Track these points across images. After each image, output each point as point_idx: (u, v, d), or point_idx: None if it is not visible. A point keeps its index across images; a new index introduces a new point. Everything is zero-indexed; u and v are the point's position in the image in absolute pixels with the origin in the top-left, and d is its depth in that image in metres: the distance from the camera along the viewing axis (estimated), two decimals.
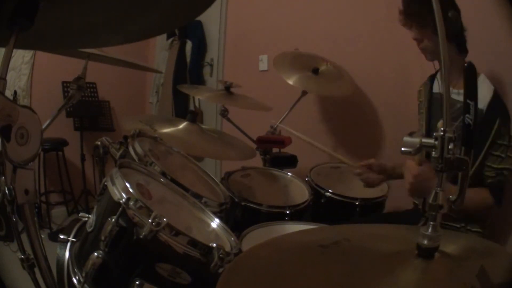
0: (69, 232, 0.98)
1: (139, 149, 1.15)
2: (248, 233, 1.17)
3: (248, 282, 0.56)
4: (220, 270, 0.79)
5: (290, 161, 2.00)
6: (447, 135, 0.54)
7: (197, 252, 0.79)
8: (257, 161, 1.90)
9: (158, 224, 0.75)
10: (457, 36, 1.29)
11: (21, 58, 3.18)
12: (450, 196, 0.57)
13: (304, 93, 2.11)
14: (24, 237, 0.69)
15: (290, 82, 2.00)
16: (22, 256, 0.73)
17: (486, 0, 1.35)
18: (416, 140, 0.58)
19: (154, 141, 1.35)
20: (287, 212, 1.45)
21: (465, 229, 1.32)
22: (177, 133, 1.49)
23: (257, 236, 1.17)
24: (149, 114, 3.76)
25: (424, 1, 1.25)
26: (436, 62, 1.42)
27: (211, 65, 3.27)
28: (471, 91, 0.64)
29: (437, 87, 1.46)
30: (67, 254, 0.93)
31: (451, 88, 1.39)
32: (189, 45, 3.34)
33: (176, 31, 3.34)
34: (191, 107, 3.35)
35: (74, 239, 0.96)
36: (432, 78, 1.51)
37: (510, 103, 1.40)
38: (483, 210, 1.27)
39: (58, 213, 3.37)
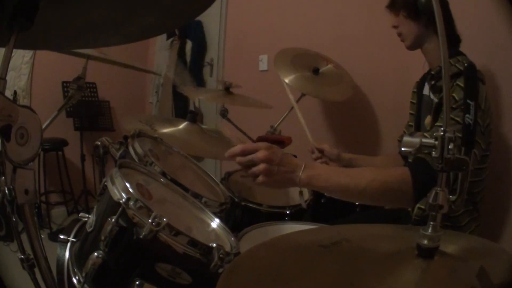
0: (69, 232, 0.98)
1: (139, 149, 1.15)
2: (246, 234, 1.16)
3: (248, 282, 0.56)
4: (220, 270, 0.78)
5: None
6: (447, 135, 0.54)
7: (197, 252, 0.78)
8: None
9: (158, 224, 0.74)
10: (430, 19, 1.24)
11: (21, 58, 3.18)
12: (450, 196, 0.57)
13: (303, 93, 2.11)
14: (24, 237, 0.69)
15: (287, 80, 1.98)
16: (22, 256, 0.72)
17: None
18: (416, 140, 0.58)
19: (154, 141, 1.35)
20: (287, 212, 1.45)
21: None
22: (177, 133, 1.49)
23: (256, 236, 1.17)
24: (149, 114, 3.76)
25: None
26: (420, 54, 1.42)
27: (211, 65, 3.27)
28: (471, 91, 0.64)
29: (427, 90, 1.45)
30: (67, 254, 0.92)
31: (429, 91, 1.38)
32: (189, 45, 3.34)
33: (176, 31, 3.34)
34: (191, 107, 3.35)
35: (74, 239, 0.96)
36: (424, 78, 1.49)
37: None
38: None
39: (58, 213, 3.37)
